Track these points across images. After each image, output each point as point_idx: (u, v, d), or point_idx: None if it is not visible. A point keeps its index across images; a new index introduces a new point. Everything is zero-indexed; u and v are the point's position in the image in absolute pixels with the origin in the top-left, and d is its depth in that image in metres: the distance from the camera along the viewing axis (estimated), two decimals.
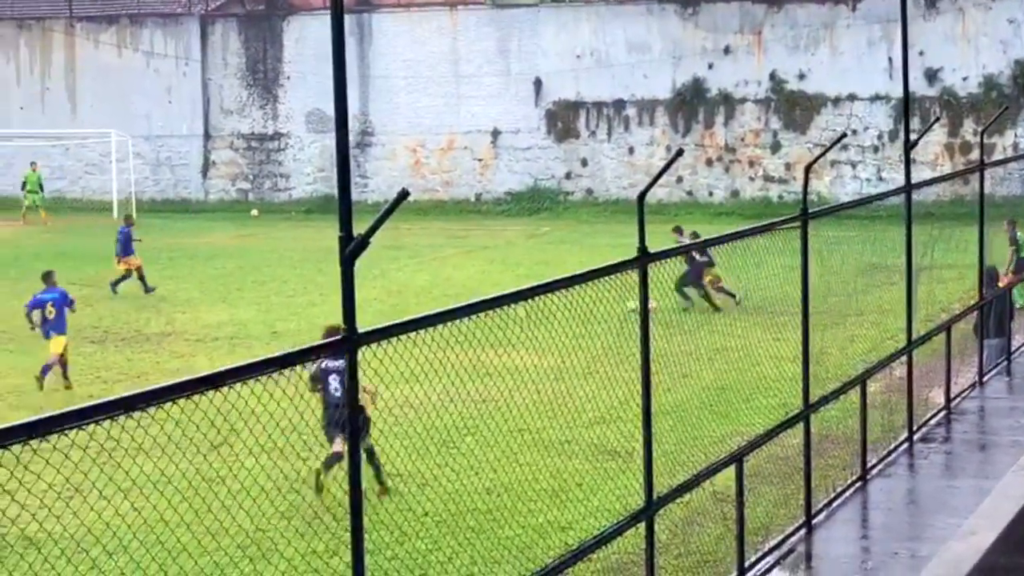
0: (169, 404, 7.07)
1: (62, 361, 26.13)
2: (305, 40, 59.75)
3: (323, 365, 17.37)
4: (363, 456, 18.01)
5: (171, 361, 27.59)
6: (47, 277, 27.96)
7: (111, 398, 6.78)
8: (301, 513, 11.82)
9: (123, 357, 28.03)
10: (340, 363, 14.71)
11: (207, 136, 62.14)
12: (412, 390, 14.38)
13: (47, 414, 6.42)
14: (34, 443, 6.30)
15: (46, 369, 25.68)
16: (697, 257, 31.05)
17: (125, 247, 37.37)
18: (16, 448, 6.23)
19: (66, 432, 6.46)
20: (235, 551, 12.23)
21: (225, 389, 7.45)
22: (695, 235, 31.75)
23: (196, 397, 7.23)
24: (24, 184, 56.99)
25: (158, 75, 62.03)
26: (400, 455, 12.82)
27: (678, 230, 34.64)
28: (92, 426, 6.55)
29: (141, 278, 36.76)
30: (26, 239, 49.26)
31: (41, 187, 56.56)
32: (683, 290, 31.99)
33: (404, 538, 13.43)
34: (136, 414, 6.85)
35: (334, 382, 17.93)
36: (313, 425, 10.40)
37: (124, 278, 36.80)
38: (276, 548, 12.25)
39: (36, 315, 26.81)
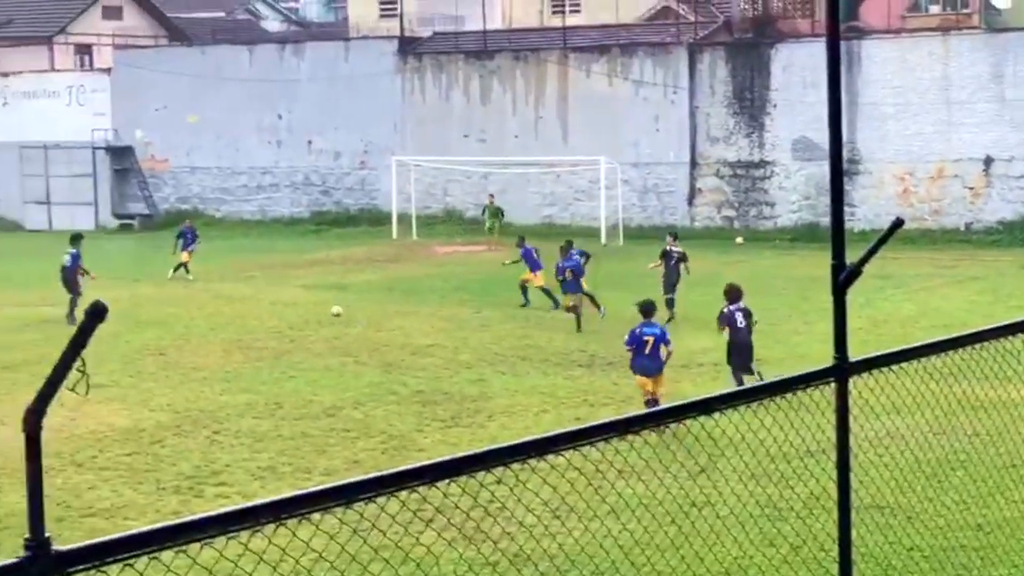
0: (662, 429, 7.17)
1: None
2: (792, 67, 59.62)
3: (726, 309, 26.01)
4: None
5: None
6: (647, 312, 25.22)
7: (603, 421, 6.93)
8: (789, 541, 11.77)
9: (609, 381, 28.52)
10: (741, 304, 25.84)
11: (693, 164, 62.69)
12: (901, 421, 14.14)
13: (542, 435, 6.62)
14: (532, 462, 6.50)
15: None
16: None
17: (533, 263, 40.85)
18: (516, 466, 6.44)
19: (563, 452, 6.63)
20: None
21: (716, 415, 7.51)
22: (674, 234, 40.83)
23: (687, 422, 7.32)
24: (484, 211, 59.53)
25: (646, 103, 63.00)
26: (888, 487, 12.62)
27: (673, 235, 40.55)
28: (588, 447, 6.71)
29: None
30: (518, 265, 50.68)
31: (497, 216, 58.91)
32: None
33: (892, 571, 13.20)
34: (630, 437, 6.97)
35: (739, 316, 25.78)
36: (801, 452, 10.32)
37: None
38: (762, 574, 12.23)
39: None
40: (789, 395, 7.97)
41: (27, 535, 4.71)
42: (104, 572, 4.87)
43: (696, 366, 29.99)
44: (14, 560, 4.70)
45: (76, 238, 40.56)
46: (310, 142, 69.56)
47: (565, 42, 65.58)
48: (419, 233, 60.73)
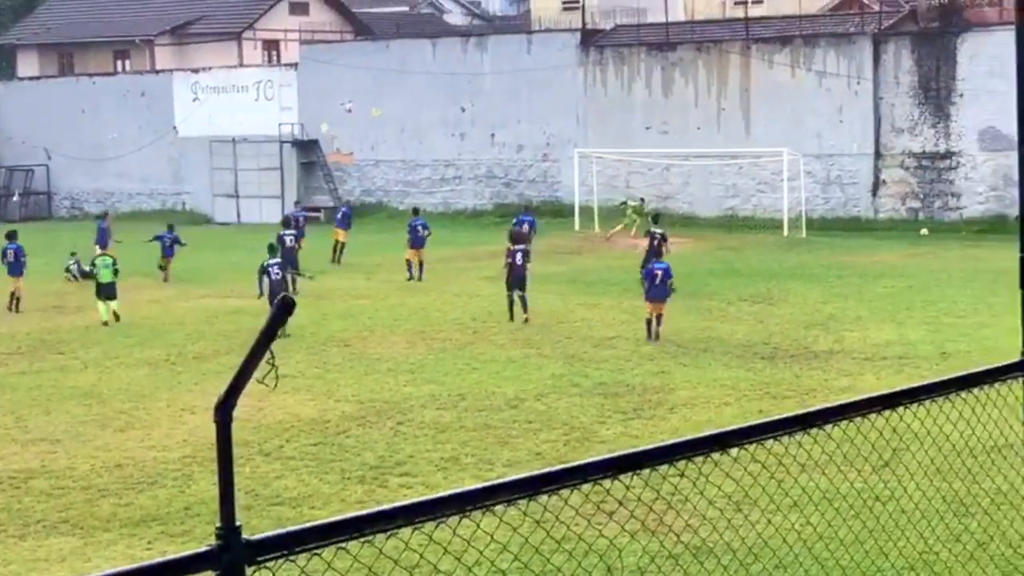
0: (845, 423, 7.11)
1: None
2: (979, 57, 58.53)
3: (511, 247, 37.27)
4: None
5: (839, 379, 27.66)
6: (657, 253, 31.87)
7: (785, 415, 6.90)
8: (975, 537, 11.61)
9: (791, 373, 28.33)
10: (522, 247, 37.01)
11: (878, 155, 61.90)
12: None
13: (724, 428, 6.60)
14: (714, 455, 6.48)
15: None
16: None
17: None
18: (698, 459, 6.44)
19: (744, 446, 6.61)
20: (906, 572, 12.15)
21: (901, 409, 7.42)
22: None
23: (872, 416, 7.25)
24: (628, 210, 58.53)
25: (830, 94, 62.33)
26: None
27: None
28: (770, 441, 6.68)
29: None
30: (700, 256, 50.52)
31: (640, 215, 57.74)
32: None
33: None
34: (813, 431, 6.93)
35: (519, 255, 36.72)
36: (988, 447, 10.17)
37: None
38: (948, 571, 12.07)
39: None
40: (976, 389, 7.86)
41: (218, 523, 4.82)
42: (292, 560, 4.98)
43: (880, 359, 29.67)
44: (205, 548, 4.81)
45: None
46: (493, 135, 69.95)
47: (748, 33, 65.16)
48: (601, 225, 60.76)
